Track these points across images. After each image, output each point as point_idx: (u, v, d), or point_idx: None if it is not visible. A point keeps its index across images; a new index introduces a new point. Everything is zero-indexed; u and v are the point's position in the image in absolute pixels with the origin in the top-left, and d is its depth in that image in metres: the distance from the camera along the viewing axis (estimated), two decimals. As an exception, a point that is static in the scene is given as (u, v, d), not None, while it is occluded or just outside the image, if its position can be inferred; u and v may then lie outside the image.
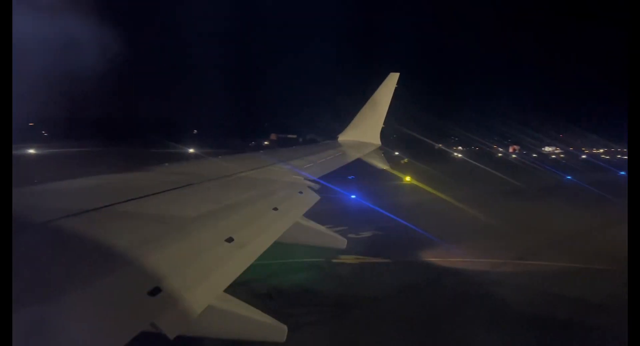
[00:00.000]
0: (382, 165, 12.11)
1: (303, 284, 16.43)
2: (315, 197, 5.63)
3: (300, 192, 5.60)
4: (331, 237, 5.30)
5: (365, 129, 13.36)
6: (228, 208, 4.10)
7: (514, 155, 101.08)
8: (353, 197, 35.77)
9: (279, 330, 3.16)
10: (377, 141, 13.39)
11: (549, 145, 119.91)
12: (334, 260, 18.97)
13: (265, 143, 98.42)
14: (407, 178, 48.65)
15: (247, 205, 4.42)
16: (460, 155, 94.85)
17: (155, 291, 2.32)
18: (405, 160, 62.41)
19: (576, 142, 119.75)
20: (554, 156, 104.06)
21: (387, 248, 21.13)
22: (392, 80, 13.38)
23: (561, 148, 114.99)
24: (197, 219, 3.55)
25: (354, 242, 22.44)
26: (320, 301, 14.96)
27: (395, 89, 13.21)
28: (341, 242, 5.26)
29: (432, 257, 19.83)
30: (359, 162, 10.72)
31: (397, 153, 75.79)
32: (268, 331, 3.17)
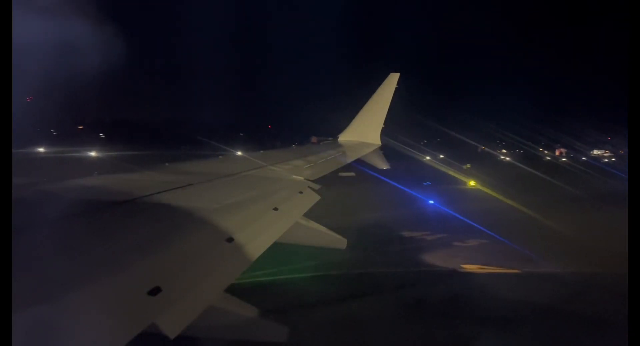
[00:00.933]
0: (382, 165, 11.96)
1: (443, 294, 15.77)
2: (315, 197, 5.55)
3: (301, 192, 5.57)
4: (331, 237, 5.23)
5: (366, 129, 13.41)
6: (228, 208, 4.07)
7: (563, 159, 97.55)
8: (431, 202, 35.00)
9: (279, 330, 3.13)
10: (378, 141, 13.34)
11: (597, 148, 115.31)
12: (460, 270, 18.28)
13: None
14: (472, 183, 47.95)
15: (247, 205, 4.42)
16: (507, 159, 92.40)
17: (155, 291, 2.29)
18: (468, 165, 62.32)
19: (625, 145, 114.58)
20: (605, 159, 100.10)
21: (504, 258, 20.32)
22: (392, 80, 13.36)
23: (611, 151, 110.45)
24: (197, 219, 3.52)
25: (465, 250, 21.72)
26: (467, 313, 14.31)
27: (396, 89, 13.20)
28: (341, 242, 5.19)
29: (558, 269, 18.80)
30: (359, 162, 10.74)
31: (442, 156, 74.80)
32: (268, 331, 3.16)
